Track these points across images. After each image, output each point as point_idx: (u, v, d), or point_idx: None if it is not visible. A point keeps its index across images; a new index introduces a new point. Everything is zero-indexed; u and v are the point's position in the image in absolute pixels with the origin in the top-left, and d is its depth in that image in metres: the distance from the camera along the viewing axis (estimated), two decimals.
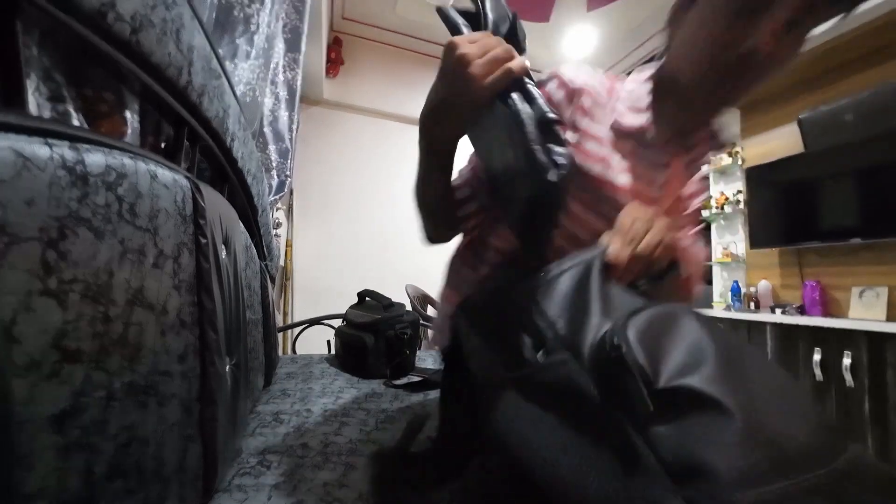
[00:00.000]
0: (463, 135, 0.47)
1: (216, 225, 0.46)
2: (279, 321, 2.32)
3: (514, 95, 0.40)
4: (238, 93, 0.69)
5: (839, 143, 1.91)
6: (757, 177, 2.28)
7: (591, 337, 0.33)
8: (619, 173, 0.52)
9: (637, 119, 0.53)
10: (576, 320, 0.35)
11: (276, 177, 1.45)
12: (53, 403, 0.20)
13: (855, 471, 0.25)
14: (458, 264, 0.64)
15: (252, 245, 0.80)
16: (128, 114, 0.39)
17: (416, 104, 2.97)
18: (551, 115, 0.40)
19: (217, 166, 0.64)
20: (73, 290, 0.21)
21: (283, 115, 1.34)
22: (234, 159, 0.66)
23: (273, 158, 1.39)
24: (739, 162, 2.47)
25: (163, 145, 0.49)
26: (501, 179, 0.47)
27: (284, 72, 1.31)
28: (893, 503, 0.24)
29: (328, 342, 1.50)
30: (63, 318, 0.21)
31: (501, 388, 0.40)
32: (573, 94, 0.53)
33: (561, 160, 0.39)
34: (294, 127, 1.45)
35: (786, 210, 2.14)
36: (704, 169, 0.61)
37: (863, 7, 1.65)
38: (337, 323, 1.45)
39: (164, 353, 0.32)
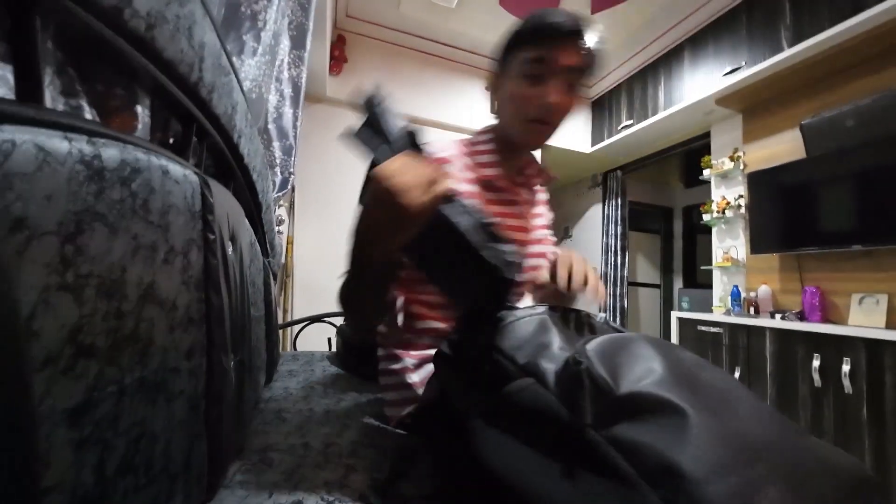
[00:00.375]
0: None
1: (223, 221, 0.46)
2: (280, 318, 2.32)
3: (447, 209, 0.44)
4: (244, 89, 0.69)
5: (841, 148, 1.92)
6: (758, 181, 2.28)
7: (554, 364, 0.37)
8: (494, 218, 0.60)
9: (489, 171, 0.68)
10: (536, 353, 0.39)
11: (279, 174, 1.45)
12: (69, 398, 0.20)
13: (810, 457, 0.28)
14: (394, 339, 0.69)
15: (256, 242, 0.80)
16: (138, 109, 0.39)
17: (418, 103, 2.98)
18: (487, 220, 0.45)
19: (223, 162, 0.64)
20: (88, 284, 0.21)
21: (288, 112, 1.34)
22: (240, 156, 0.66)
23: (277, 155, 1.38)
24: (741, 166, 2.47)
25: (171, 141, 0.49)
26: (452, 284, 0.51)
27: (289, 69, 1.31)
28: (847, 484, 0.27)
29: (329, 339, 1.50)
30: (79, 313, 0.21)
31: (480, 421, 0.43)
32: (440, 163, 0.65)
33: (511, 257, 0.44)
34: (298, 124, 1.45)
35: (787, 215, 2.14)
36: (542, 196, 0.79)
37: (866, 14, 1.65)
38: (338, 321, 1.45)
39: (172, 349, 0.32)
